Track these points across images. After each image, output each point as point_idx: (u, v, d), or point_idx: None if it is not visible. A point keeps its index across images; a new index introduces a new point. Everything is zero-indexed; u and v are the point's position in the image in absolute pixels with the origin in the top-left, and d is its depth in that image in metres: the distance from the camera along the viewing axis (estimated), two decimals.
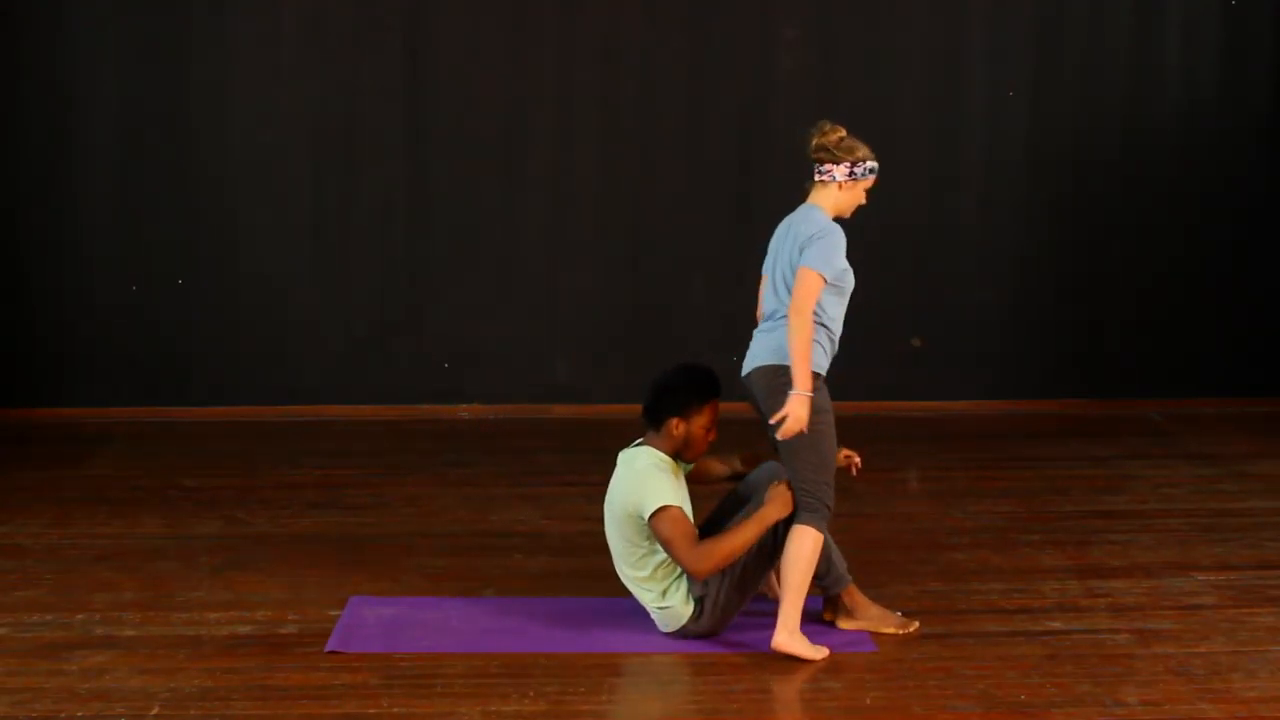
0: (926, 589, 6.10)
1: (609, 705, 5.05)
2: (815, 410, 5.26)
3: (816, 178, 5.45)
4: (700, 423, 5.50)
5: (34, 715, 4.85)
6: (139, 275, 9.17)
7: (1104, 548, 6.67)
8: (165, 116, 9.09)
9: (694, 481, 5.67)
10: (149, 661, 5.29)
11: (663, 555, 5.48)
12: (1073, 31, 9.39)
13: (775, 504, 5.35)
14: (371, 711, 4.90)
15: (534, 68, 9.24)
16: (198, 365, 9.24)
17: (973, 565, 6.43)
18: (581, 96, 9.27)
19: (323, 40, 9.15)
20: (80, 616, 5.73)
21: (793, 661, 5.33)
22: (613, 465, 5.61)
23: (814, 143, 5.42)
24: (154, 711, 4.89)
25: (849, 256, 5.42)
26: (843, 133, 5.40)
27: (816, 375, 5.34)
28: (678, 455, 5.55)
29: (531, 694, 5.03)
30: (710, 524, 5.57)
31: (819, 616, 5.68)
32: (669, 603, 5.48)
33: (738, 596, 5.48)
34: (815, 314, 5.31)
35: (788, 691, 5.17)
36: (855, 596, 5.63)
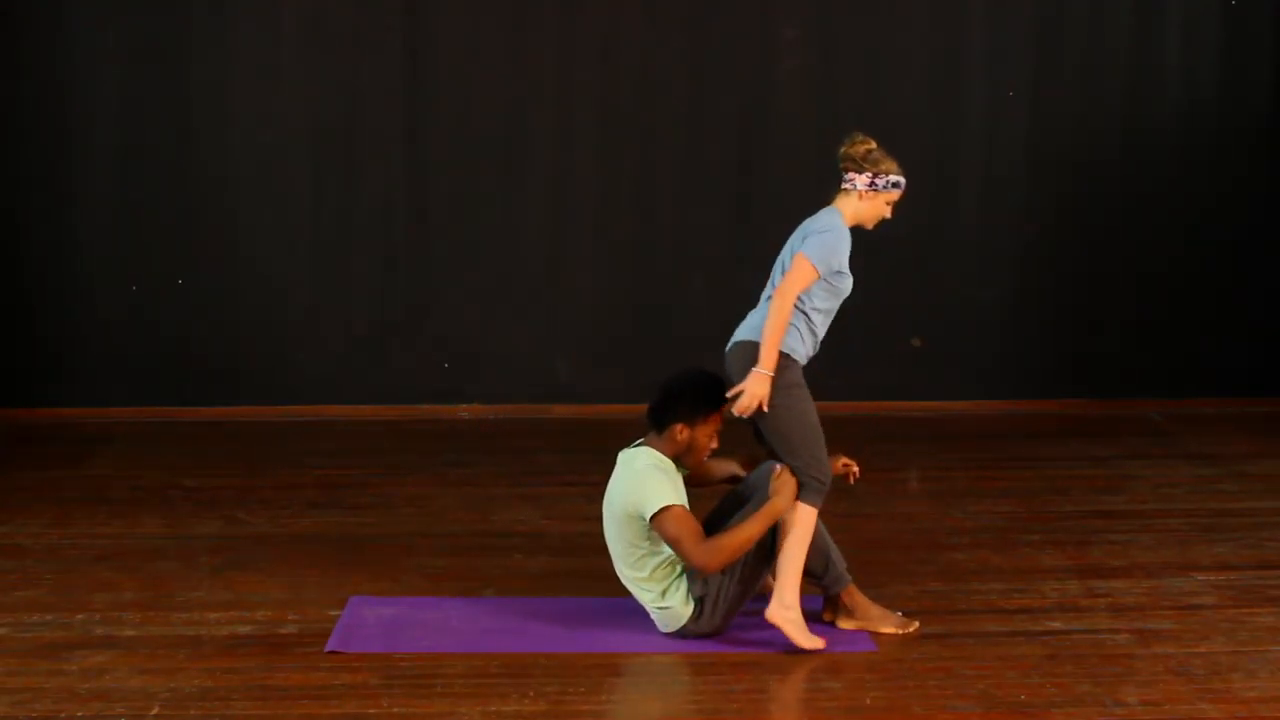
0: (926, 589, 6.10)
1: (609, 705, 5.05)
2: (786, 386, 5.35)
3: (841, 185, 5.55)
4: (705, 431, 5.51)
5: (34, 715, 4.85)
6: (139, 275, 9.17)
7: (1104, 548, 6.67)
8: (165, 116, 9.09)
9: (692, 484, 5.66)
10: (149, 661, 5.29)
11: (662, 555, 5.47)
12: (1073, 31, 9.39)
13: (782, 495, 5.35)
14: (371, 711, 4.90)
15: (534, 68, 9.24)
16: (198, 365, 9.24)
17: (973, 565, 6.43)
18: (581, 96, 9.27)
19: (323, 40, 9.15)
20: (80, 616, 5.73)
21: (792, 661, 5.33)
22: (613, 465, 5.61)
23: (842, 151, 5.54)
24: (154, 711, 4.89)
25: (853, 266, 5.47)
26: (872, 145, 5.52)
27: (788, 358, 5.39)
28: (678, 459, 5.55)
29: (531, 694, 5.03)
30: (710, 525, 5.56)
31: (819, 617, 5.68)
32: (669, 603, 5.48)
33: (738, 596, 5.48)
34: (800, 301, 5.40)
35: (788, 691, 5.17)
36: (855, 596, 5.64)
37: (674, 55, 9.29)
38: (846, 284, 5.49)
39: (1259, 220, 9.54)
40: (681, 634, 5.52)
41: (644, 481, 5.41)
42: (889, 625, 5.61)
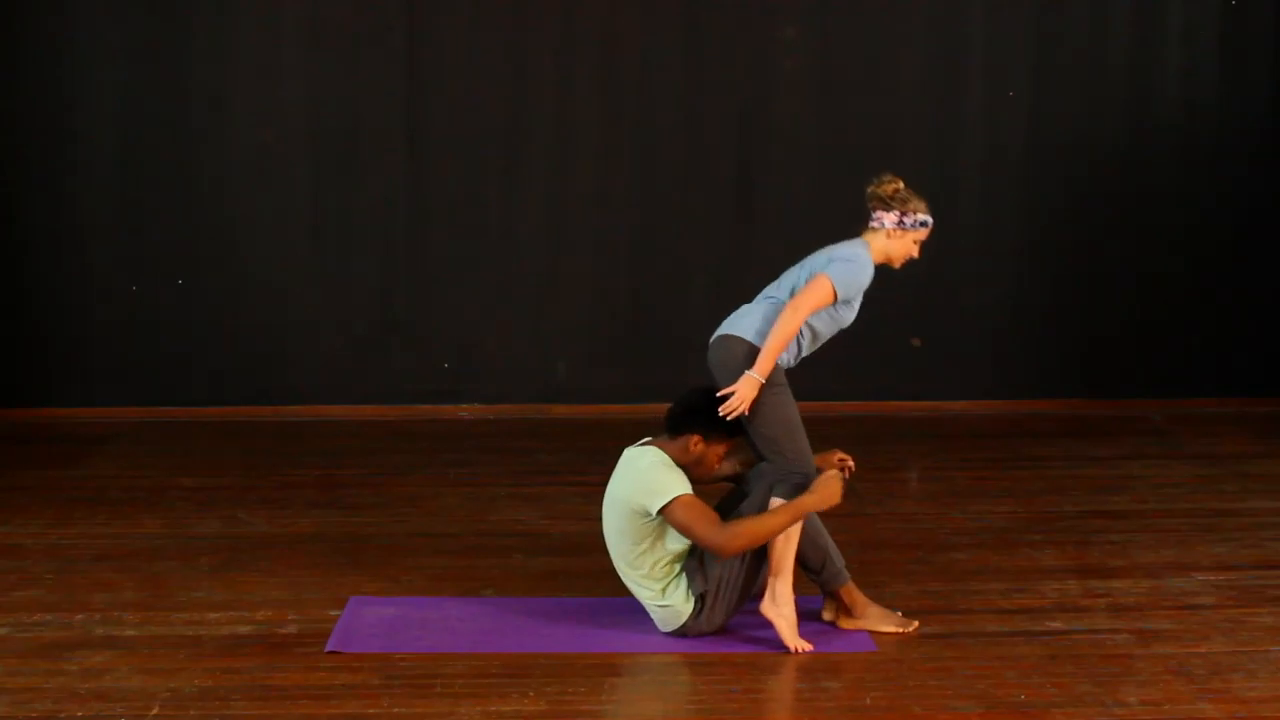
0: (926, 589, 6.10)
1: (609, 705, 5.05)
2: (769, 385, 5.38)
3: (870, 224, 5.58)
4: (716, 450, 5.52)
5: (34, 715, 4.85)
6: (139, 275, 9.17)
7: (1104, 548, 6.67)
8: (165, 116, 9.09)
9: (691, 480, 5.65)
10: (149, 661, 5.29)
11: (662, 553, 5.47)
12: (1073, 32, 9.39)
13: (816, 494, 5.34)
14: (371, 711, 4.90)
15: (534, 68, 9.24)
16: (198, 365, 9.24)
17: (973, 565, 6.43)
18: (581, 97, 9.27)
19: (323, 40, 9.15)
20: (80, 616, 5.73)
21: (792, 662, 5.33)
22: (613, 465, 5.60)
23: (870, 190, 5.58)
24: (154, 711, 4.88)
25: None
26: (900, 185, 5.57)
27: (776, 367, 5.42)
28: (685, 469, 5.53)
29: (531, 694, 5.03)
30: None
31: (819, 616, 5.69)
32: (669, 601, 5.48)
33: (737, 595, 5.48)
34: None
35: (787, 691, 5.17)
36: (855, 595, 5.64)
37: (673, 55, 9.29)
38: (849, 317, 5.56)
39: (1259, 221, 9.54)
40: (681, 632, 5.52)
41: (653, 475, 5.41)
42: (889, 625, 5.62)
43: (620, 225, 9.39)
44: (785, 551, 5.42)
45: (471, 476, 7.91)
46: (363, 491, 7.58)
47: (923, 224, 5.57)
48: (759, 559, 5.45)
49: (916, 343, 9.46)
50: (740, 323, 5.52)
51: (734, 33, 9.28)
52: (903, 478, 7.95)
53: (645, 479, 5.42)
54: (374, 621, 5.68)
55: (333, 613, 5.78)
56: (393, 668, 5.25)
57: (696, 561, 5.51)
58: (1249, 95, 9.48)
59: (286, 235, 9.24)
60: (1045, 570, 6.35)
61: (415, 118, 9.22)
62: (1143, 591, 6.09)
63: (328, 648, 5.42)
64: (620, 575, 5.58)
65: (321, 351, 9.30)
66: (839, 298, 5.44)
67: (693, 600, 5.48)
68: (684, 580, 5.50)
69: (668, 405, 5.55)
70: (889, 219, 5.53)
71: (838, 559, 5.62)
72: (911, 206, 5.54)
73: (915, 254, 5.62)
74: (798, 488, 5.40)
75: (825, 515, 5.52)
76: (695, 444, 5.48)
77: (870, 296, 5.61)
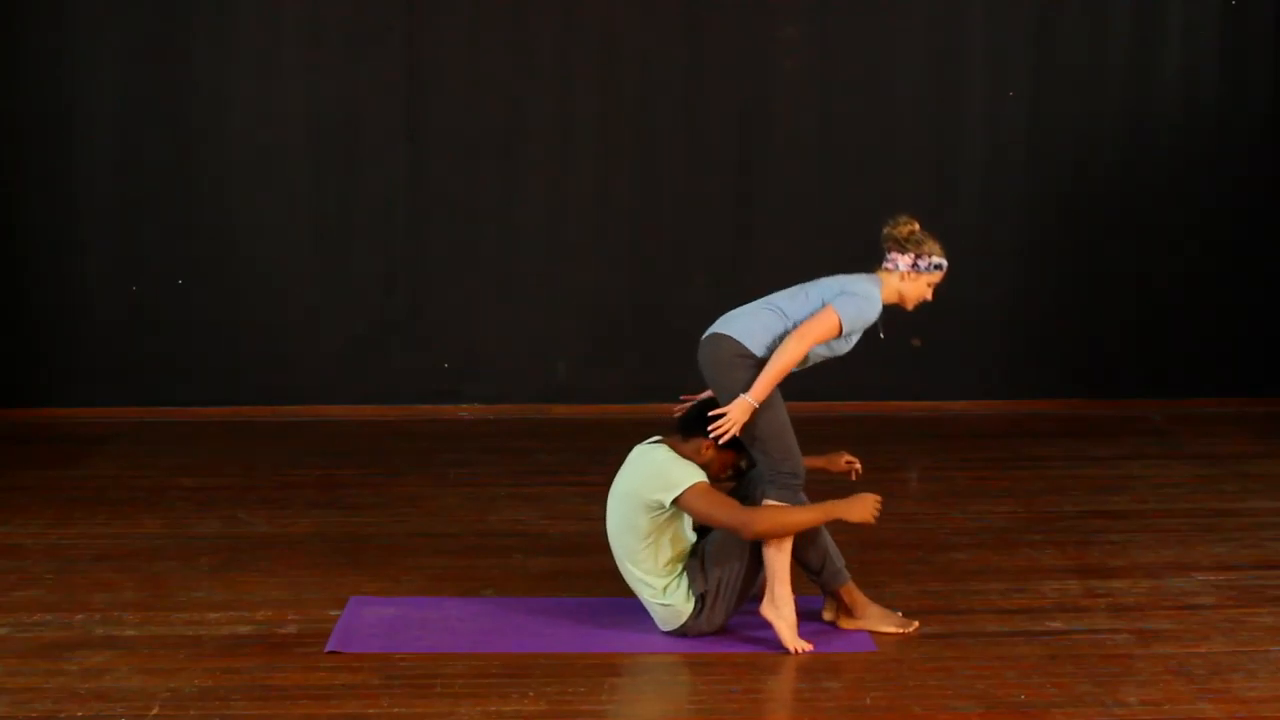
0: (926, 589, 6.10)
1: (609, 705, 5.05)
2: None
3: (884, 264, 5.57)
4: (723, 460, 5.52)
5: (34, 715, 4.85)
6: (139, 275, 9.17)
7: (1104, 548, 6.67)
8: (165, 116, 9.10)
9: None
10: (149, 661, 5.29)
11: (666, 550, 5.46)
12: (1073, 32, 9.39)
13: (853, 505, 5.37)
14: (371, 711, 4.90)
15: (534, 68, 9.24)
16: (198, 365, 9.24)
17: (973, 565, 6.43)
18: (582, 96, 9.28)
19: (323, 40, 9.15)
20: (80, 616, 5.73)
21: (792, 662, 5.33)
22: (613, 465, 5.60)
23: (885, 231, 5.57)
24: (154, 711, 4.88)
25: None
26: (915, 226, 5.57)
27: (762, 360, 5.39)
28: None
29: (531, 694, 5.03)
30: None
31: (819, 616, 5.69)
32: (669, 600, 5.48)
33: (737, 595, 5.48)
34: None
35: (787, 691, 5.17)
36: (855, 595, 5.64)
37: (673, 55, 9.29)
38: (845, 349, 5.54)
39: (1259, 220, 9.54)
40: (682, 631, 5.52)
41: (667, 468, 5.41)
42: (889, 625, 5.61)
43: (620, 225, 9.39)
44: (777, 558, 5.41)
45: (471, 476, 7.91)
46: (363, 491, 7.58)
47: (937, 267, 5.54)
48: (759, 560, 5.45)
49: (916, 343, 9.45)
50: (733, 324, 5.50)
51: (734, 33, 9.29)
52: (903, 478, 7.95)
53: (659, 471, 5.42)
54: (374, 621, 5.68)
55: (333, 613, 5.78)
56: (393, 668, 5.25)
57: (698, 561, 5.51)
58: (1249, 95, 9.48)
59: (286, 235, 9.24)
60: (1045, 570, 6.35)
61: (415, 117, 9.22)
62: (1143, 591, 6.09)
63: (328, 648, 5.42)
64: (622, 573, 5.58)
65: (321, 351, 9.30)
66: (843, 332, 5.43)
67: (693, 600, 5.48)
68: (685, 580, 5.50)
69: (667, 405, 5.55)
70: (903, 261, 5.52)
71: (837, 559, 5.62)
72: (926, 249, 5.52)
73: (929, 296, 5.59)
74: (788, 487, 5.40)
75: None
76: (705, 449, 5.49)
77: None
